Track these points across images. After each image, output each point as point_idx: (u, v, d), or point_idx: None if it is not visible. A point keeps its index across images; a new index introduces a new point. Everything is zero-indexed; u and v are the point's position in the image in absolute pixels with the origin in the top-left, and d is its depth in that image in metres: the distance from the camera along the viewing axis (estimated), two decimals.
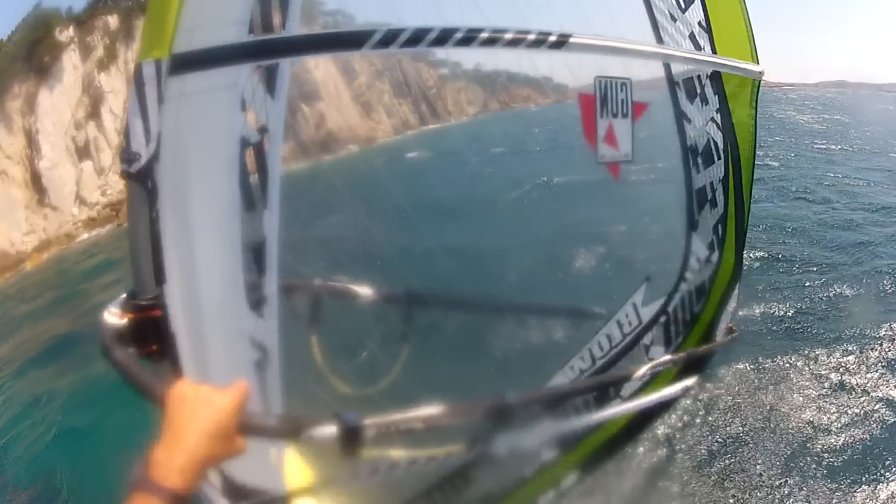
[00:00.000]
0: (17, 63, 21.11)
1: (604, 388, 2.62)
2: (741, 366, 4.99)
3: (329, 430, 1.28)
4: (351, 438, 1.32)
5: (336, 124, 30.02)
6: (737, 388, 4.75)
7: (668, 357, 2.39)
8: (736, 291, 2.47)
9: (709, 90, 2.26)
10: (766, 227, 9.15)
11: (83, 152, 21.19)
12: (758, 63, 2.38)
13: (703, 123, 2.27)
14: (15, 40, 21.95)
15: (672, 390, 2.59)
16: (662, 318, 2.50)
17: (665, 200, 2.40)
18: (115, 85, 22.19)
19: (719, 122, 2.28)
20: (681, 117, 2.26)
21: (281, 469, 1.78)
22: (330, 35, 1.62)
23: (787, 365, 5.07)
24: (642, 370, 2.24)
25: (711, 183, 2.30)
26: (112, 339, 1.37)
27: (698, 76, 2.25)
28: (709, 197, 2.32)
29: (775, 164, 15.43)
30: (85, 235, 20.12)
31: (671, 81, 2.25)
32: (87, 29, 23.10)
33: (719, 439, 4.22)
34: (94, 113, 21.64)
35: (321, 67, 31.54)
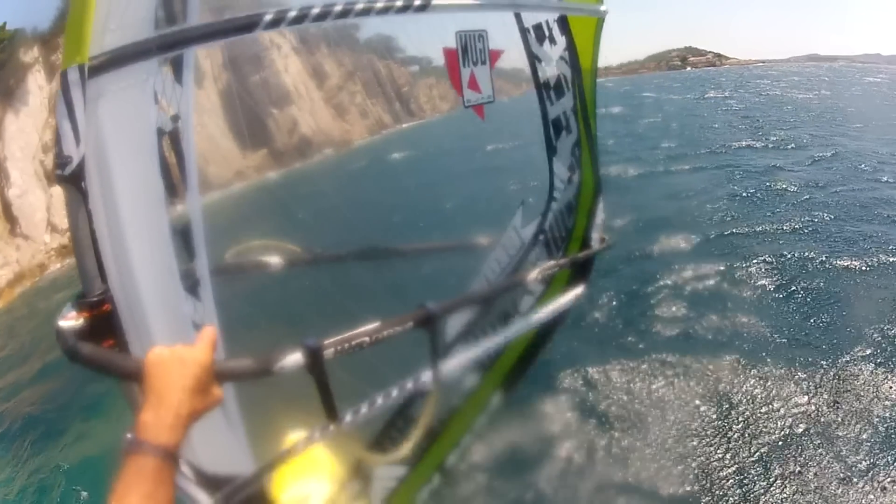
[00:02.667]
0: None
1: (504, 309, 2.97)
2: None
3: (295, 357, 1.46)
4: (315, 359, 1.50)
5: (310, 128, 29.78)
6: None
7: (553, 262, 2.72)
8: (601, 205, 2.81)
9: (556, 32, 2.61)
10: (865, 217, 8.00)
11: (52, 176, 20.86)
12: (601, 3, 2.73)
13: (553, 61, 2.62)
14: None
15: (565, 300, 2.95)
16: (541, 237, 2.86)
17: (527, 133, 2.72)
18: None
19: (567, 59, 2.63)
20: (533, 58, 2.60)
21: (245, 453, 1.93)
22: (224, 23, 1.69)
23: None
24: (534, 273, 2.53)
25: (564, 112, 2.65)
26: (73, 340, 1.40)
27: (546, 21, 2.59)
28: (563, 125, 2.67)
29: (817, 143, 14.87)
30: (58, 265, 19.12)
31: (522, 29, 2.59)
32: (52, 47, 22.74)
33: None
34: None
35: (290, 70, 31.25)
